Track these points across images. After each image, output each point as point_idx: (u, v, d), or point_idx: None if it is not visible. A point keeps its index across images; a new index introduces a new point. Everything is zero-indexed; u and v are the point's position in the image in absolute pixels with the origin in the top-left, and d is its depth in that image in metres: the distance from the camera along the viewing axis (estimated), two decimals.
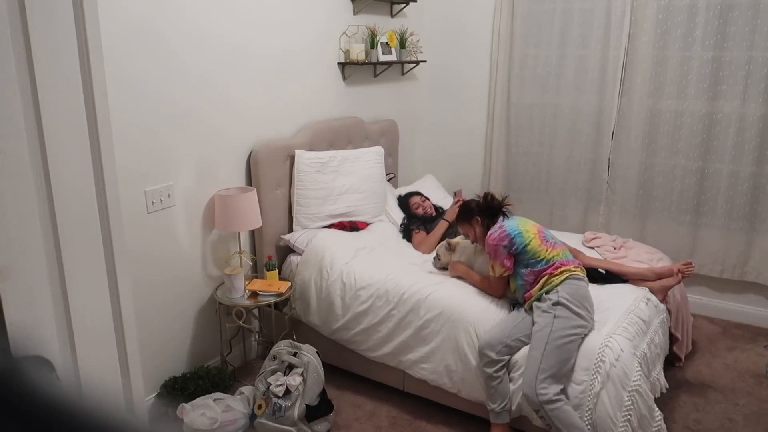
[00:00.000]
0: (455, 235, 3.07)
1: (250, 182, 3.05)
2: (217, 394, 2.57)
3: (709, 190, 3.55)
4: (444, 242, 2.92)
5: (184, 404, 2.46)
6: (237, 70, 2.88)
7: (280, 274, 3.05)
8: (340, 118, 3.59)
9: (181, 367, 2.83)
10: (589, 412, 2.21)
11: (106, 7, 2.24)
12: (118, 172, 1.27)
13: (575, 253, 2.76)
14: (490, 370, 2.37)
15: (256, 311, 3.17)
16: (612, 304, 2.53)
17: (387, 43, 3.74)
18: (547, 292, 2.40)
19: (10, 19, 0.97)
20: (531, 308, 2.45)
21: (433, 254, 3.01)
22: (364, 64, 3.58)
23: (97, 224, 1.19)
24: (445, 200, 3.75)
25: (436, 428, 2.64)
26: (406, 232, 3.37)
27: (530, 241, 2.48)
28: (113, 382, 1.27)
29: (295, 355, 2.58)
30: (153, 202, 2.57)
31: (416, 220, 3.43)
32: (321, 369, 2.58)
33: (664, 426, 2.31)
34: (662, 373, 2.55)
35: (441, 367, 2.57)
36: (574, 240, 3.19)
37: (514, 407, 2.38)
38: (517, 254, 2.48)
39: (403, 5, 3.95)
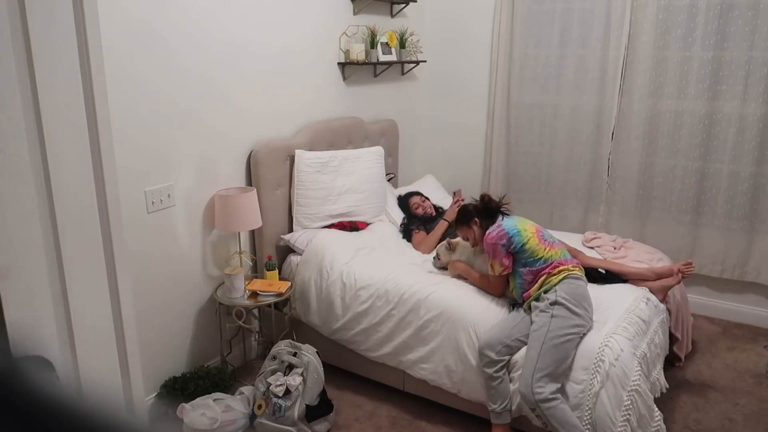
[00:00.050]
0: (455, 235, 3.07)
1: (250, 182, 3.05)
2: (217, 394, 2.57)
3: (709, 190, 3.55)
4: (444, 242, 2.92)
5: (184, 404, 2.46)
6: (237, 70, 2.88)
7: (280, 274, 3.05)
8: (340, 118, 3.59)
9: (181, 367, 2.83)
10: (589, 412, 2.21)
11: (106, 7, 2.24)
12: (118, 172, 1.27)
13: (575, 253, 2.76)
14: (490, 371, 2.37)
15: (256, 311, 3.17)
16: (612, 303, 2.53)
17: (387, 43, 3.74)
18: (545, 292, 2.41)
19: (10, 19, 0.97)
20: (530, 308, 2.45)
21: (433, 254, 3.01)
22: (364, 64, 3.58)
23: (97, 224, 1.19)
24: (445, 200, 3.75)
25: (436, 428, 2.64)
26: (406, 232, 3.37)
27: (528, 240, 2.48)
28: (113, 382, 1.27)
29: (295, 355, 2.58)
30: (153, 202, 2.57)
31: (416, 220, 3.43)
32: (321, 369, 2.58)
33: (663, 426, 2.31)
34: (662, 373, 2.55)
35: (441, 367, 2.57)
36: (574, 240, 3.19)
37: (514, 407, 2.38)
38: (516, 253, 2.49)
39: (403, 5, 3.95)
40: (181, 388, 2.63)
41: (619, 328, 2.35)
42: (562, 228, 3.87)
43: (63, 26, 1.07)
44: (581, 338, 2.31)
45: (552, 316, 2.32)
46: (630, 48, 3.61)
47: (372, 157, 3.39)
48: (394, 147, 4.04)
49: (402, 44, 3.87)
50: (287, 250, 3.17)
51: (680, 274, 2.74)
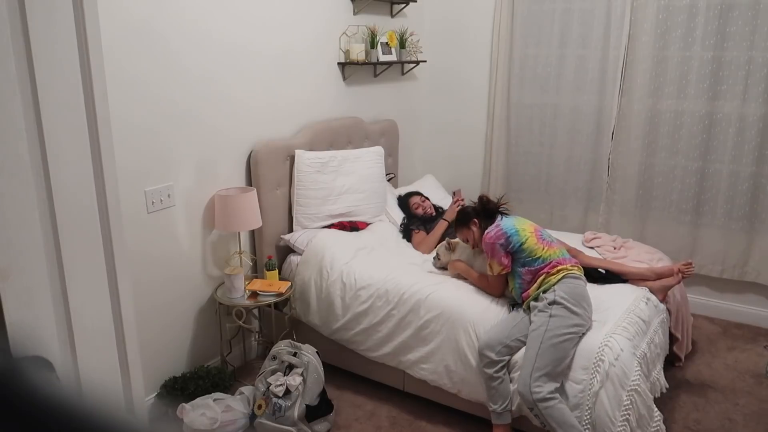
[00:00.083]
0: (455, 235, 3.07)
1: (250, 182, 3.05)
2: (217, 394, 2.57)
3: (709, 190, 3.55)
4: (444, 242, 2.92)
5: (184, 404, 2.46)
6: (237, 70, 2.88)
7: (280, 274, 3.05)
8: (340, 118, 3.59)
9: (181, 367, 2.83)
10: (588, 412, 2.21)
11: (106, 7, 2.24)
12: (118, 172, 1.27)
13: (575, 252, 2.76)
14: (490, 371, 2.37)
15: (256, 311, 3.17)
16: (612, 303, 2.53)
17: (387, 43, 3.74)
18: (544, 292, 2.41)
19: (10, 19, 0.97)
20: (529, 308, 2.45)
21: (433, 254, 3.01)
22: (364, 64, 3.58)
23: (97, 224, 1.19)
24: (445, 200, 3.75)
25: (436, 428, 2.64)
26: (406, 232, 3.37)
27: (526, 240, 2.48)
28: (113, 382, 1.27)
29: (295, 355, 2.58)
30: (153, 202, 2.57)
31: (416, 220, 3.43)
32: (321, 369, 2.58)
33: (662, 426, 2.31)
34: (662, 373, 2.55)
35: (441, 367, 2.57)
36: (574, 240, 3.19)
37: (514, 407, 2.38)
38: (514, 253, 2.49)
39: (403, 5, 3.95)
40: (181, 388, 2.63)
41: (619, 328, 2.35)
42: (562, 228, 3.87)
43: (63, 26, 1.07)
44: (580, 338, 2.31)
45: (550, 316, 2.32)
46: (630, 48, 3.61)
47: (372, 157, 3.39)
48: (394, 147, 4.04)
49: (402, 44, 3.87)
50: (287, 250, 3.17)
51: (680, 274, 2.74)
